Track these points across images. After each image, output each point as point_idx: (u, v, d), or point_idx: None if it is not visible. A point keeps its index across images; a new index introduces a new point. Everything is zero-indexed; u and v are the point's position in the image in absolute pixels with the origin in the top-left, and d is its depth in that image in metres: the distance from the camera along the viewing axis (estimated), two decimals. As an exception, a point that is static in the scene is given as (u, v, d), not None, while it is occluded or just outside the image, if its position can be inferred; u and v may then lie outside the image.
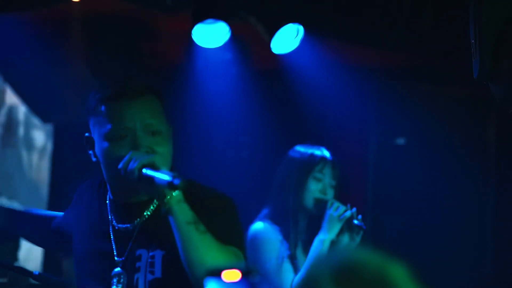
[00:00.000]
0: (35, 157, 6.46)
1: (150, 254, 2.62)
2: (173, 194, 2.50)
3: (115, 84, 2.66)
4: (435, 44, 5.48)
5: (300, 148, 4.12)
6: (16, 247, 5.53)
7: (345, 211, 3.92)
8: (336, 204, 3.94)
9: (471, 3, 3.34)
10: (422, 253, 5.48)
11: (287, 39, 4.81)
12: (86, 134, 2.70)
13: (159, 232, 2.61)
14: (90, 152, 2.69)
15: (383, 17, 5.34)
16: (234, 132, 5.08)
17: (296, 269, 3.97)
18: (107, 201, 2.74)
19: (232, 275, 1.49)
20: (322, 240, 3.87)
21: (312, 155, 4.06)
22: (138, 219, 2.67)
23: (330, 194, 4.03)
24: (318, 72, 5.13)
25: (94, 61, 5.44)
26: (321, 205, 4.00)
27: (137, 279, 2.62)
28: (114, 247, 2.64)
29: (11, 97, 5.99)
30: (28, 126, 6.44)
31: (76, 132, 6.05)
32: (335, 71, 5.22)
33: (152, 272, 2.60)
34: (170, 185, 2.45)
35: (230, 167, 5.35)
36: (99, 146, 2.62)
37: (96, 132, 2.64)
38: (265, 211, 4.10)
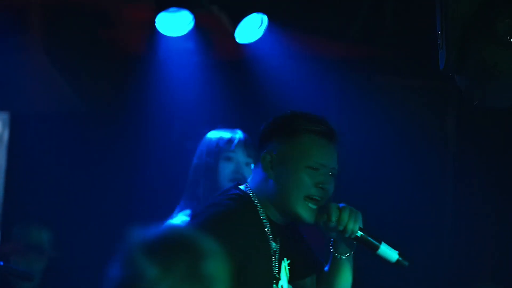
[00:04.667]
0: (-9, 145, 6.35)
1: (286, 262, 2.99)
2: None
3: (325, 123, 2.93)
4: (396, 36, 5.50)
5: (211, 133, 4.07)
6: None
7: None
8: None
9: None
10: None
11: (251, 29, 4.79)
12: (265, 151, 2.90)
13: (291, 246, 3.02)
14: (267, 172, 2.90)
15: (345, 8, 5.35)
16: (196, 122, 5.01)
17: None
18: (264, 222, 2.93)
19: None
20: None
21: (221, 137, 4.01)
22: (279, 237, 2.97)
23: (246, 172, 3.94)
24: (281, 62, 5.11)
25: (54, 49, 5.35)
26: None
27: (281, 286, 2.95)
28: (275, 264, 2.95)
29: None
30: (-17, 114, 6.32)
31: (33, 121, 6.01)
32: (298, 61, 5.20)
33: (288, 278, 2.99)
34: (399, 263, 2.86)
35: (189, 159, 5.29)
36: (291, 170, 2.85)
37: (288, 157, 2.86)
38: (182, 201, 4.05)
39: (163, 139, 5.42)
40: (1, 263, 3.06)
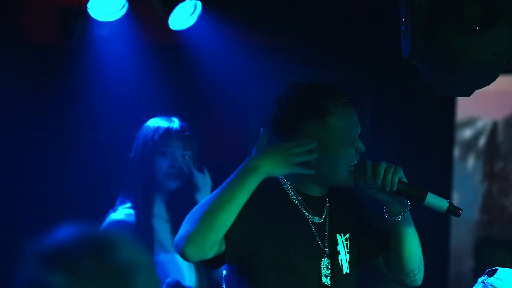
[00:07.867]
0: None
1: (344, 237, 2.95)
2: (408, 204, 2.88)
3: (344, 90, 2.88)
4: (312, 30, 5.56)
5: (148, 122, 3.97)
6: None
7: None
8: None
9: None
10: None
11: (184, 15, 4.74)
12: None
13: (343, 219, 2.97)
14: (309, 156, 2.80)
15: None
16: (131, 111, 4.78)
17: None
18: (293, 198, 2.88)
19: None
20: None
21: (157, 129, 3.91)
22: (325, 209, 2.94)
23: (183, 165, 3.89)
24: (213, 48, 5.04)
25: None
26: (177, 179, 3.89)
27: (341, 260, 2.91)
28: (317, 238, 2.88)
29: None
30: None
31: None
32: (229, 49, 5.15)
33: (348, 253, 2.94)
34: (450, 212, 2.78)
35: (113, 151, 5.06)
36: (334, 151, 2.82)
37: (326, 140, 2.82)
38: (121, 194, 3.96)
39: (95, 129, 5.19)
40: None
